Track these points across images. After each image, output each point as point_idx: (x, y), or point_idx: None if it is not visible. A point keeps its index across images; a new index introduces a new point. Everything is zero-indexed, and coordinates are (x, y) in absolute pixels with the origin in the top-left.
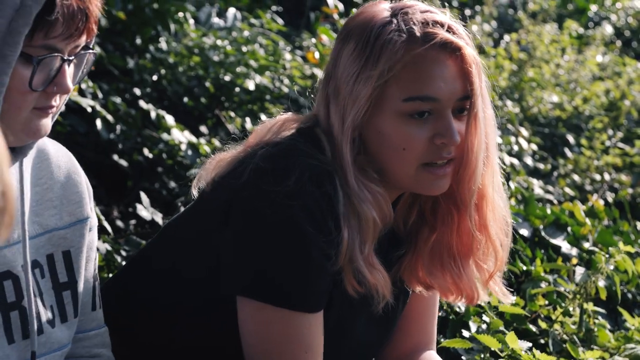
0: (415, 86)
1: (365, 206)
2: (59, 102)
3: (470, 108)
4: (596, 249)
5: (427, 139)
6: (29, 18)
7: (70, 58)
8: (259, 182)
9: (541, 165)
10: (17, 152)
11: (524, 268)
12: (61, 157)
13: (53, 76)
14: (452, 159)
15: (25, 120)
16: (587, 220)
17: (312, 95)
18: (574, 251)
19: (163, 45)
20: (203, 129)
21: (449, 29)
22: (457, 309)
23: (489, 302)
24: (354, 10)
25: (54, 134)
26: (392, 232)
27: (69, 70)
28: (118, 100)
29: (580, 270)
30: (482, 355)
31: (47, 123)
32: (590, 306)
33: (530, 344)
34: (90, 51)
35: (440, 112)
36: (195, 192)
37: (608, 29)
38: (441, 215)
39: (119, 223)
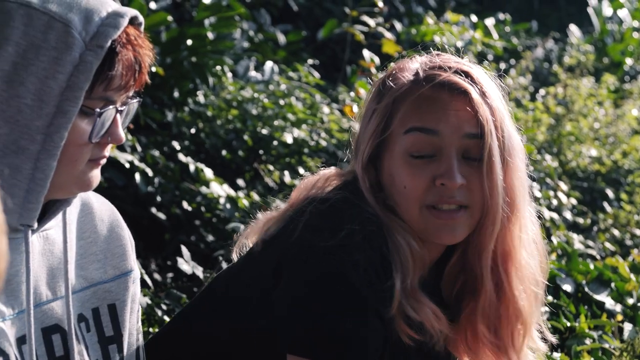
0: (415, 118)
1: (404, 236)
2: (109, 152)
3: (482, 151)
4: None
5: (428, 179)
6: (89, 73)
7: (122, 108)
8: (310, 240)
9: (581, 220)
10: (61, 202)
11: (568, 324)
12: (105, 210)
13: (108, 127)
14: (466, 207)
15: (79, 173)
16: (632, 276)
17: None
18: (618, 307)
19: (201, 98)
20: (240, 182)
21: (462, 73)
22: None
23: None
24: (392, 64)
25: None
26: (440, 299)
27: (120, 119)
28: (157, 153)
29: (628, 327)
30: None
31: (98, 174)
32: None
33: None
34: (137, 100)
35: (443, 152)
36: (235, 256)
37: None
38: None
39: (157, 276)
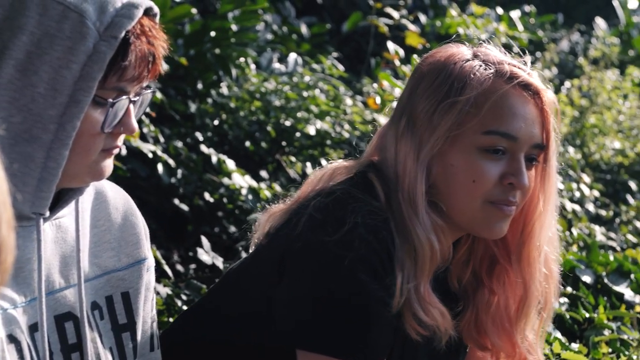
0: (498, 120)
1: (428, 236)
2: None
3: (545, 160)
4: None
5: (497, 176)
6: (102, 63)
7: (136, 99)
8: (313, 233)
9: (603, 212)
10: (74, 191)
11: (587, 315)
12: (119, 199)
13: (121, 117)
14: (517, 206)
15: (92, 162)
16: None
17: (368, 141)
18: (638, 298)
19: (224, 90)
20: (263, 173)
21: (530, 75)
22: None
23: (551, 350)
24: (415, 56)
25: (115, 178)
26: (447, 287)
27: (133, 110)
28: (179, 144)
29: None
30: None
31: (111, 164)
32: None
33: None
34: (151, 90)
35: (514, 154)
36: (251, 248)
37: None
38: (497, 276)
39: (179, 267)
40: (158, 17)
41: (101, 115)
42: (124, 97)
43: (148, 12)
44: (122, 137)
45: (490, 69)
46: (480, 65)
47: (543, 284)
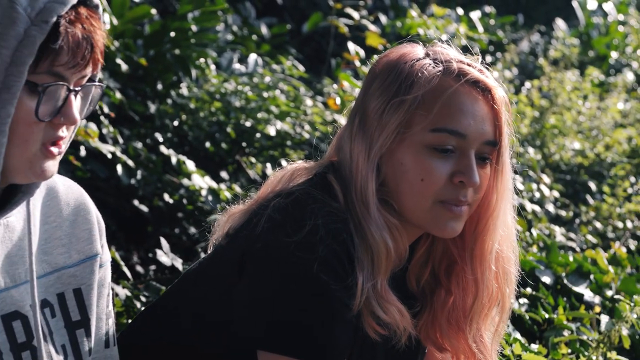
0: (445, 118)
1: (382, 234)
2: (66, 135)
3: (497, 158)
4: (620, 297)
5: (447, 175)
6: (33, 48)
7: (77, 89)
8: (273, 234)
9: (563, 213)
10: (24, 192)
11: (547, 316)
12: (70, 194)
13: (60, 107)
14: (469, 205)
15: (32, 157)
16: (610, 268)
17: (329, 142)
18: (597, 299)
19: (184, 90)
20: (224, 174)
21: (481, 72)
22: None
23: (512, 351)
24: (375, 56)
25: (74, 179)
26: (406, 287)
27: (76, 101)
28: (139, 145)
29: (604, 319)
30: None
31: (53, 165)
32: (613, 355)
33: None
34: (97, 83)
35: (464, 151)
36: (210, 249)
37: (629, 76)
38: (455, 276)
39: (139, 268)
40: (100, 10)
41: (35, 103)
42: (60, 83)
43: (89, 4)
44: (64, 129)
45: (438, 67)
46: (429, 64)
47: (493, 283)
